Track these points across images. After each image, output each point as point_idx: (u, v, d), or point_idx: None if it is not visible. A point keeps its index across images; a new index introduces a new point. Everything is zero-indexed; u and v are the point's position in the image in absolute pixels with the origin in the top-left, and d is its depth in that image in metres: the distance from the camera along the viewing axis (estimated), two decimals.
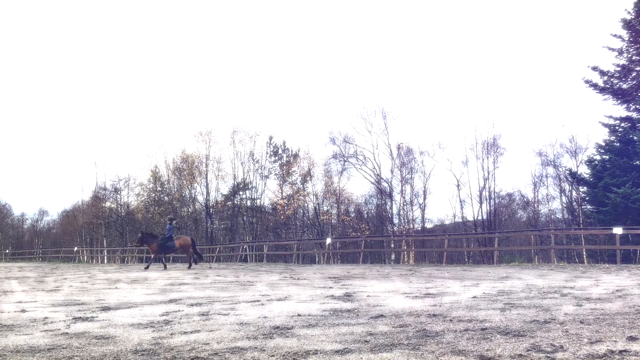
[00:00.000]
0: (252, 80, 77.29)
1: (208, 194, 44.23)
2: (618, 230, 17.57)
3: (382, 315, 5.14)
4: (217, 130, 61.79)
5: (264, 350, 3.50)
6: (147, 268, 19.00)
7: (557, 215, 39.29)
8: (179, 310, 5.91)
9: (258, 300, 6.88)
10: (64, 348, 3.72)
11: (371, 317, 5.02)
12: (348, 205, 45.24)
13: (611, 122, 26.06)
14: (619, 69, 25.92)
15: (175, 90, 79.15)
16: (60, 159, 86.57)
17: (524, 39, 71.59)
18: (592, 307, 5.52)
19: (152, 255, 19.95)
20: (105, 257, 42.90)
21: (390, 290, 8.13)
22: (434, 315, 5.10)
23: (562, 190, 38.06)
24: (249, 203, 45.32)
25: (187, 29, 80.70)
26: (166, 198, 45.77)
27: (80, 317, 5.43)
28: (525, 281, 9.82)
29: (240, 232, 44.55)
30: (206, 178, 44.34)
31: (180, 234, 22.07)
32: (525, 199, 42.08)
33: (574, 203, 35.41)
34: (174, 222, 20.90)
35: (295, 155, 46.10)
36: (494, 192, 37.79)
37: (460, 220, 40.36)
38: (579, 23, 68.00)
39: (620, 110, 26.28)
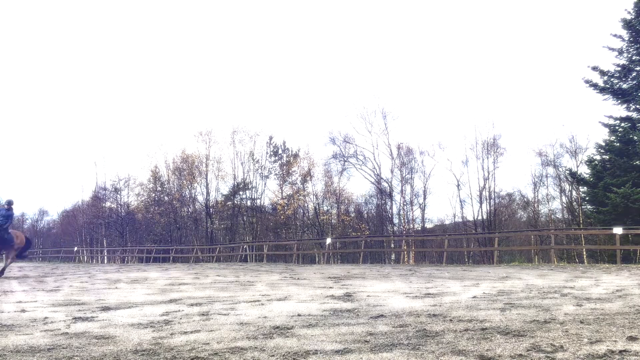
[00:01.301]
0: (252, 80, 77.31)
1: (208, 194, 44.28)
2: (618, 230, 17.57)
3: (382, 315, 5.14)
4: (217, 130, 61.84)
5: (264, 350, 3.50)
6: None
7: (557, 215, 39.29)
8: (179, 310, 5.91)
9: (258, 300, 6.88)
10: (64, 348, 3.72)
11: (371, 317, 5.02)
12: (348, 205, 45.27)
13: (611, 122, 26.05)
14: (619, 69, 25.89)
15: (175, 90, 79.14)
16: (60, 159, 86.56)
17: (524, 39, 71.62)
18: (592, 307, 5.52)
19: None
20: (105, 257, 42.90)
21: (390, 290, 8.13)
22: (434, 315, 5.10)
23: (562, 190, 38.06)
24: (249, 203, 45.31)
25: (187, 29, 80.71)
26: (166, 198, 45.78)
27: (80, 317, 5.43)
28: (525, 281, 9.82)
29: (240, 232, 44.55)
30: (206, 178, 44.39)
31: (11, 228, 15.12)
32: (525, 199, 42.10)
33: (574, 203, 35.39)
34: (13, 206, 14.56)
35: (295, 155, 46.10)
36: (494, 192, 37.84)
37: (460, 220, 40.39)
38: (579, 23, 68.03)
39: (620, 110, 26.27)
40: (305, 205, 44.03)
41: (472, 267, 18.52)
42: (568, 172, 32.97)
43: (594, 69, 26.19)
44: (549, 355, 3.19)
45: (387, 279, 11.00)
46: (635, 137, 24.08)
